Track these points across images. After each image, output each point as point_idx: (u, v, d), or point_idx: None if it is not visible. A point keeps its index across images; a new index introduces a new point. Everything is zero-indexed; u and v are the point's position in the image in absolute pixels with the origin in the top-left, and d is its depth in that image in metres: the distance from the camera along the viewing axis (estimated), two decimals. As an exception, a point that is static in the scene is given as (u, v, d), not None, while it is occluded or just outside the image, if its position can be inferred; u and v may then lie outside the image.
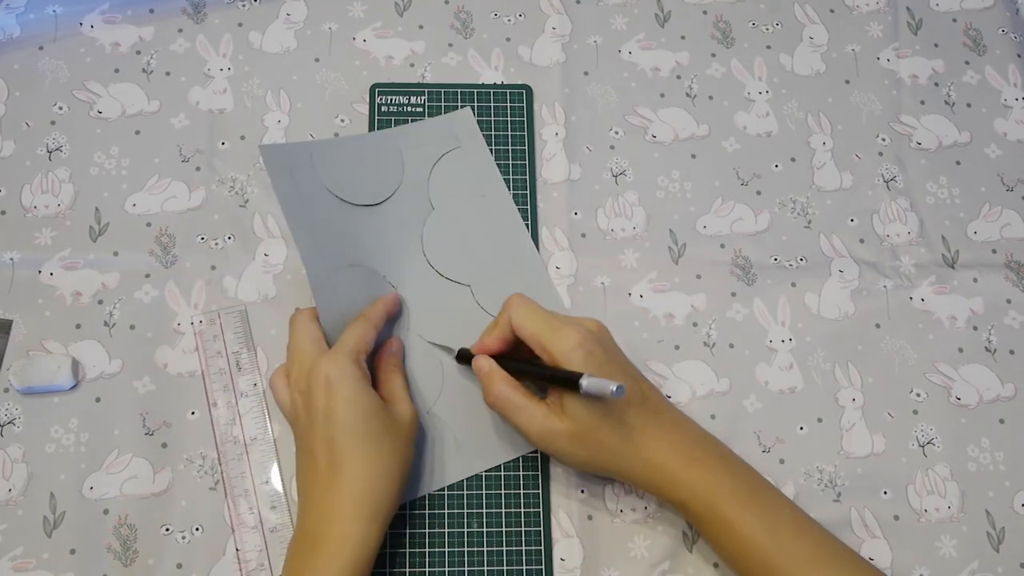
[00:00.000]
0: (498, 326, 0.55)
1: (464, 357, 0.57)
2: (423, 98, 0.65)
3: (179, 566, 0.54)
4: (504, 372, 0.53)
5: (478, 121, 0.64)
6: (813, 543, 0.51)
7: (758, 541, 0.50)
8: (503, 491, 0.57)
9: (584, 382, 0.47)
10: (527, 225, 0.63)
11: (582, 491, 0.57)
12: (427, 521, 0.56)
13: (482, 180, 0.63)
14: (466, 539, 0.56)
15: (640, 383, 0.54)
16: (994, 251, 0.65)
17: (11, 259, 0.60)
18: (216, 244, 0.61)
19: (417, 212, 0.61)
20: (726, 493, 0.51)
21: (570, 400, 0.51)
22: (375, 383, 0.54)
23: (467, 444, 0.57)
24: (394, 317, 0.58)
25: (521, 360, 0.54)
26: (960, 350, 0.62)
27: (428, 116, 0.65)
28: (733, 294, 0.63)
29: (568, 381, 0.49)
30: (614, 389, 0.46)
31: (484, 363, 0.54)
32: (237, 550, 0.55)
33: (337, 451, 0.50)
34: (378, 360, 0.56)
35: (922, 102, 0.69)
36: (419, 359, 0.59)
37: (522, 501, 0.57)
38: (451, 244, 0.61)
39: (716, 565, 0.56)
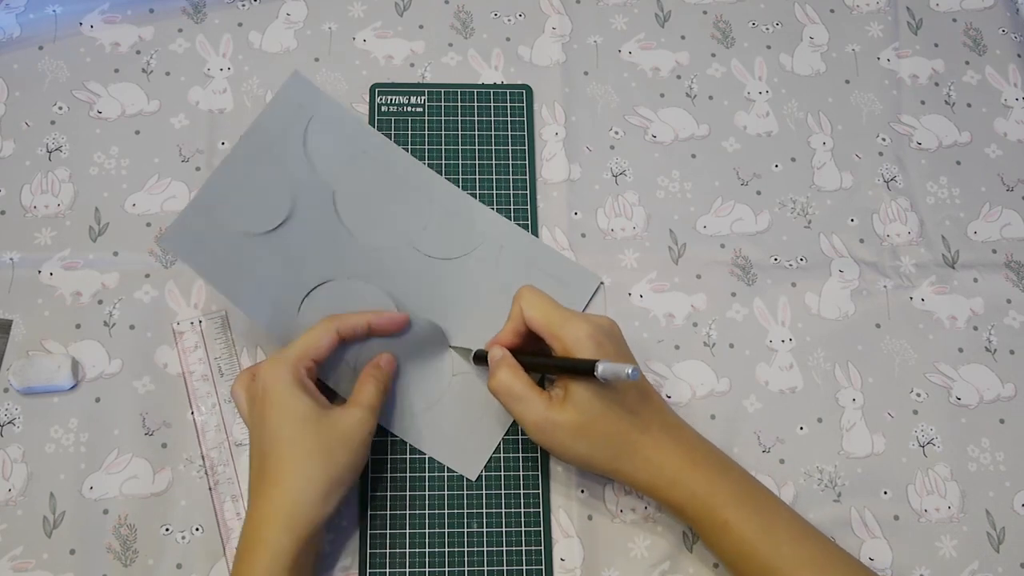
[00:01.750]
0: (511, 318, 0.55)
1: (481, 358, 0.56)
2: (423, 98, 0.65)
3: (179, 566, 0.54)
4: (513, 360, 0.53)
5: (477, 121, 0.64)
6: (812, 547, 0.51)
7: (757, 544, 0.50)
8: (503, 491, 0.57)
9: (600, 367, 0.47)
10: (526, 225, 0.63)
11: (582, 491, 0.57)
12: (427, 521, 0.56)
13: (353, 137, 0.61)
14: (466, 539, 0.56)
15: (645, 383, 0.54)
16: (994, 251, 0.65)
17: (11, 259, 0.60)
18: (216, 244, 0.61)
19: (323, 200, 0.58)
20: (725, 495, 0.51)
21: (577, 389, 0.50)
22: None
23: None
24: (396, 333, 0.57)
25: (534, 353, 0.54)
26: (960, 350, 0.62)
27: (428, 116, 0.65)
28: (733, 294, 0.63)
29: (582, 369, 0.49)
30: (630, 371, 0.46)
31: (498, 352, 0.54)
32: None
33: (265, 456, 0.50)
34: (364, 368, 0.56)
35: (922, 102, 0.69)
36: (416, 364, 0.59)
37: (522, 501, 0.57)
38: (370, 215, 0.59)
39: (716, 565, 0.56)
